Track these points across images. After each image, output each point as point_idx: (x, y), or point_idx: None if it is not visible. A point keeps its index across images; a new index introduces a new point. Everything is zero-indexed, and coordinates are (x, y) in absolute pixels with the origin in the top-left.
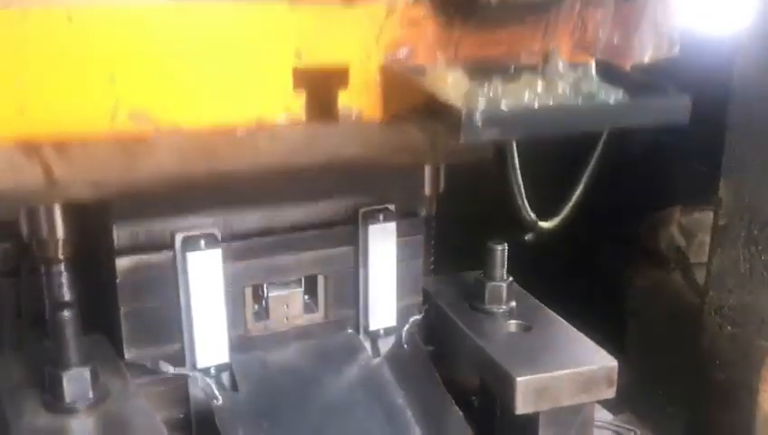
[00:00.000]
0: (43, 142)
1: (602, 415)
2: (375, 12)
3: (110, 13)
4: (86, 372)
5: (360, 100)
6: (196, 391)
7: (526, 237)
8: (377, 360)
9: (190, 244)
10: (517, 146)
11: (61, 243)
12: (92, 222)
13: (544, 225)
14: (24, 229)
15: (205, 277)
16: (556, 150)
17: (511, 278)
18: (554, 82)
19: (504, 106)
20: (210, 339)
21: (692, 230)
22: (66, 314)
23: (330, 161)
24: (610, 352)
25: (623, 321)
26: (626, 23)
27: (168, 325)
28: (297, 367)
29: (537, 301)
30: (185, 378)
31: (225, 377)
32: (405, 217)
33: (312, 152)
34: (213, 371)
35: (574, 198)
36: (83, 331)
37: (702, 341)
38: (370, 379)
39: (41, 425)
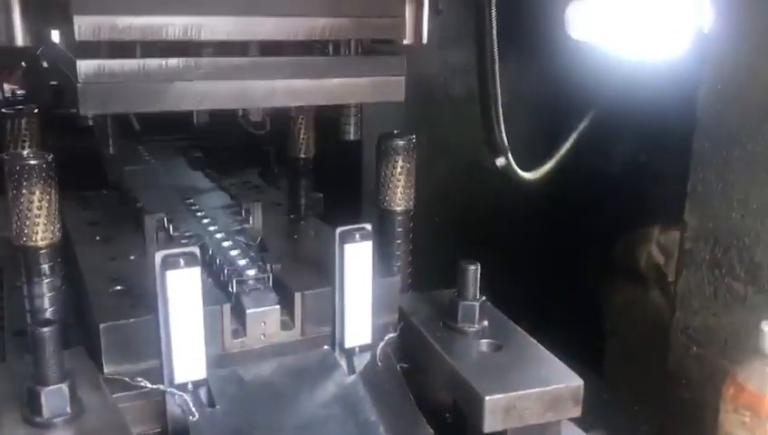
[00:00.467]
0: None
1: (576, 433)
2: None
3: None
4: (64, 388)
5: None
6: (172, 407)
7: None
8: (352, 377)
9: (170, 263)
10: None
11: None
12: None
13: (527, 175)
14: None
15: (183, 295)
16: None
17: (483, 298)
18: None
19: None
20: (187, 355)
21: (670, 249)
22: (46, 330)
23: None
24: (588, 369)
25: (602, 338)
26: None
27: (146, 341)
28: (273, 384)
29: (509, 320)
30: (162, 393)
31: (202, 393)
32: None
33: None
34: (190, 386)
35: (561, 153)
36: (63, 344)
37: (669, 361)
38: (345, 396)
39: None
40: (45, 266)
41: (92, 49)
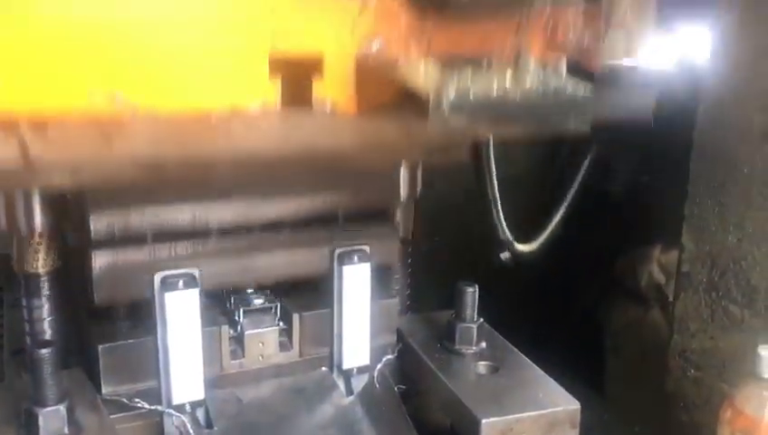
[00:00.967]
0: (20, 120)
1: None
2: (350, 3)
3: None
4: (62, 410)
5: (334, 91)
6: (170, 428)
7: (502, 256)
8: (349, 398)
9: (169, 284)
10: (497, 167)
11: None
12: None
13: (523, 248)
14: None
15: (182, 317)
16: (539, 175)
17: (481, 319)
18: (523, 77)
19: (471, 95)
20: (186, 376)
21: (671, 269)
22: (44, 352)
23: (305, 152)
24: (589, 389)
25: (603, 358)
26: (596, 24)
27: (144, 362)
28: (271, 404)
29: (507, 342)
30: (160, 414)
31: (200, 414)
32: (380, 258)
33: (287, 142)
34: (188, 407)
35: (555, 220)
36: (62, 364)
37: (667, 383)
38: (343, 417)
39: None
40: (46, 291)
41: None
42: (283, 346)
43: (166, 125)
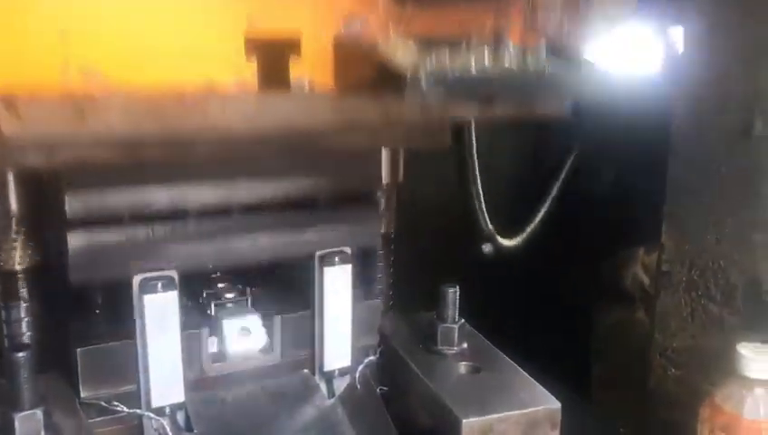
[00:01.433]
0: None
1: None
2: None
3: None
4: (38, 414)
5: (312, 71)
6: (150, 432)
7: (484, 248)
8: (331, 400)
9: (147, 286)
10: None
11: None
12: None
13: (505, 242)
14: None
15: (161, 319)
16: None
17: (463, 320)
18: (502, 57)
19: (449, 72)
20: (165, 379)
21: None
22: (20, 355)
23: (283, 130)
24: (573, 392)
25: (588, 360)
26: (575, 6)
27: (123, 365)
28: (252, 407)
29: (488, 342)
30: (139, 418)
31: (180, 417)
32: (362, 259)
33: (265, 120)
34: (167, 410)
35: (539, 217)
36: (40, 368)
37: (649, 382)
38: (324, 419)
39: None
40: (23, 290)
41: None
42: (265, 348)
43: (142, 102)
